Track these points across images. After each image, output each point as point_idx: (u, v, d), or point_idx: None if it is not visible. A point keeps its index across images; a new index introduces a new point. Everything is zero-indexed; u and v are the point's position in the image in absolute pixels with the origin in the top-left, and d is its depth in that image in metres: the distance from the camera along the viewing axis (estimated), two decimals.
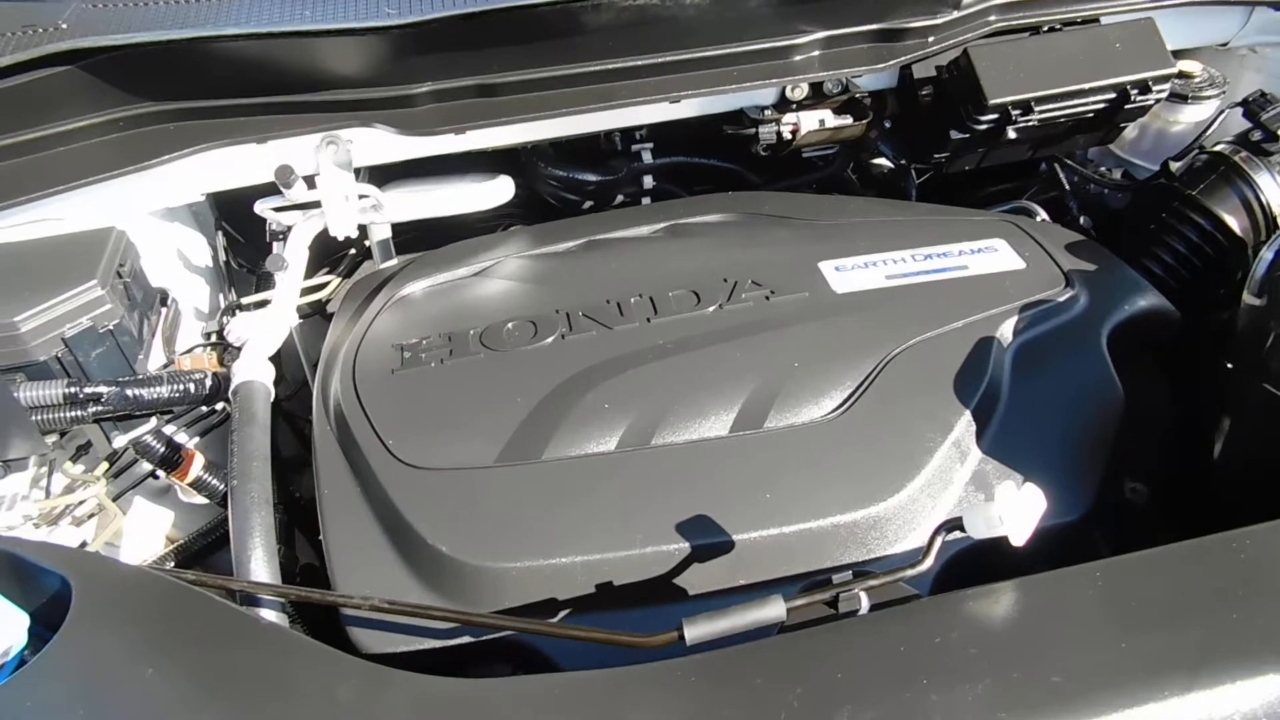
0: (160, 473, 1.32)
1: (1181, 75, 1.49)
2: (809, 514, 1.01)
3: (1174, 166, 1.37)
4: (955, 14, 1.38)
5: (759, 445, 1.08)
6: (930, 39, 1.38)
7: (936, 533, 0.89)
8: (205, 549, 1.36)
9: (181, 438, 1.35)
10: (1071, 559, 1.08)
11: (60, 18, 1.29)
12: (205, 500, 1.31)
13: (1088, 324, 1.23)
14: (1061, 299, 1.24)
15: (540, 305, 1.26)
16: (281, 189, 1.27)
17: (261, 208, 1.37)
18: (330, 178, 1.33)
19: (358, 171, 1.49)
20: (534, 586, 0.98)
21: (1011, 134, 1.39)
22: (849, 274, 1.26)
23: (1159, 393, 1.33)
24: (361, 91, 1.29)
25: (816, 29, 1.34)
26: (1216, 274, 1.32)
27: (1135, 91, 1.37)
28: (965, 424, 1.09)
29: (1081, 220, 1.48)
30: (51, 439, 1.18)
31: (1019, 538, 0.84)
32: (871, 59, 1.37)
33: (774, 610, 0.84)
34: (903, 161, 1.52)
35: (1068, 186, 1.53)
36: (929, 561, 0.88)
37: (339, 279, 1.58)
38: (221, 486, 1.28)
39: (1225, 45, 1.59)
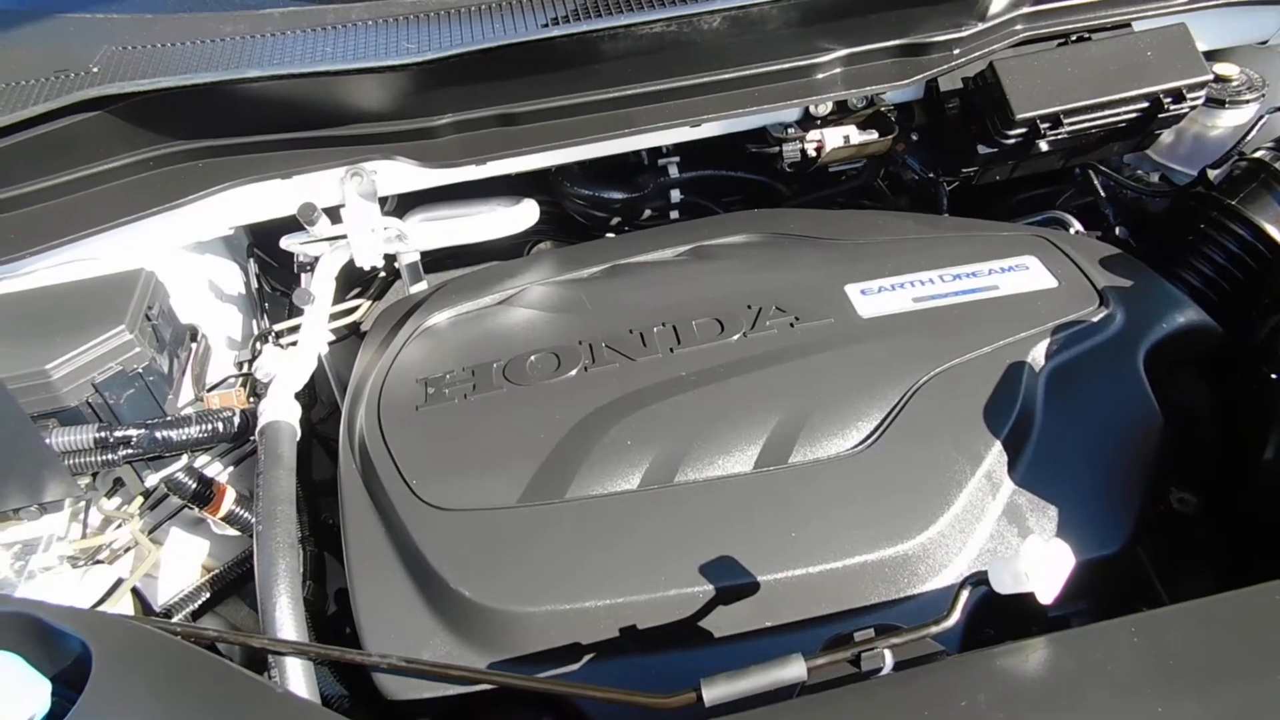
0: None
1: (1218, 79, 1.44)
2: (835, 553, 1.00)
3: (1212, 175, 1.33)
4: (980, 25, 1.35)
5: (784, 481, 1.06)
6: (955, 51, 1.35)
7: (962, 586, 0.87)
8: (240, 578, 1.38)
9: (215, 467, 1.37)
10: (1114, 585, 1.07)
11: (92, 61, 1.31)
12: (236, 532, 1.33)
13: (1124, 344, 1.19)
14: (1096, 319, 1.21)
15: (563, 336, 1.25)
16: (305, 225, 1.28)
17: (288, 243, 1.38)
18: (355, 210, 1.33)
19: (385, 200, 1.50)
20: (557, 631, 0.98)
21: (1043, 146, 1.36)
22: (875, 298, 1.24)
23: (1206, 401, 1.29)
24: (383, 125, 1.29)
25: (838, 47, 1.32)
26: (1258, 285, 1.28)
27: (1169, 100, 1.33)
28: (996, 454, 1.07)
29: (1118, 230, 1.44)
30: (84, 480, 1.20)
31: (1046, 596, 0.82)
32: (895, 74, 1.34)
33: (794, 670, 0.83)
34: (931, 174, 1.49)
35: (1103, 193, 1.49)
36: (955, 617, 0.86)
37: (370, 301, 1.59)
38: (252, 519, 1.29)
39: (1265, 43, 1.54)
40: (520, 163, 1.35)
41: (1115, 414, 1.14)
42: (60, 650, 0.85)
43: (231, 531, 1.33)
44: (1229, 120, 1.44)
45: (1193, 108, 1.37)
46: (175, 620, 1.27)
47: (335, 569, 1.33)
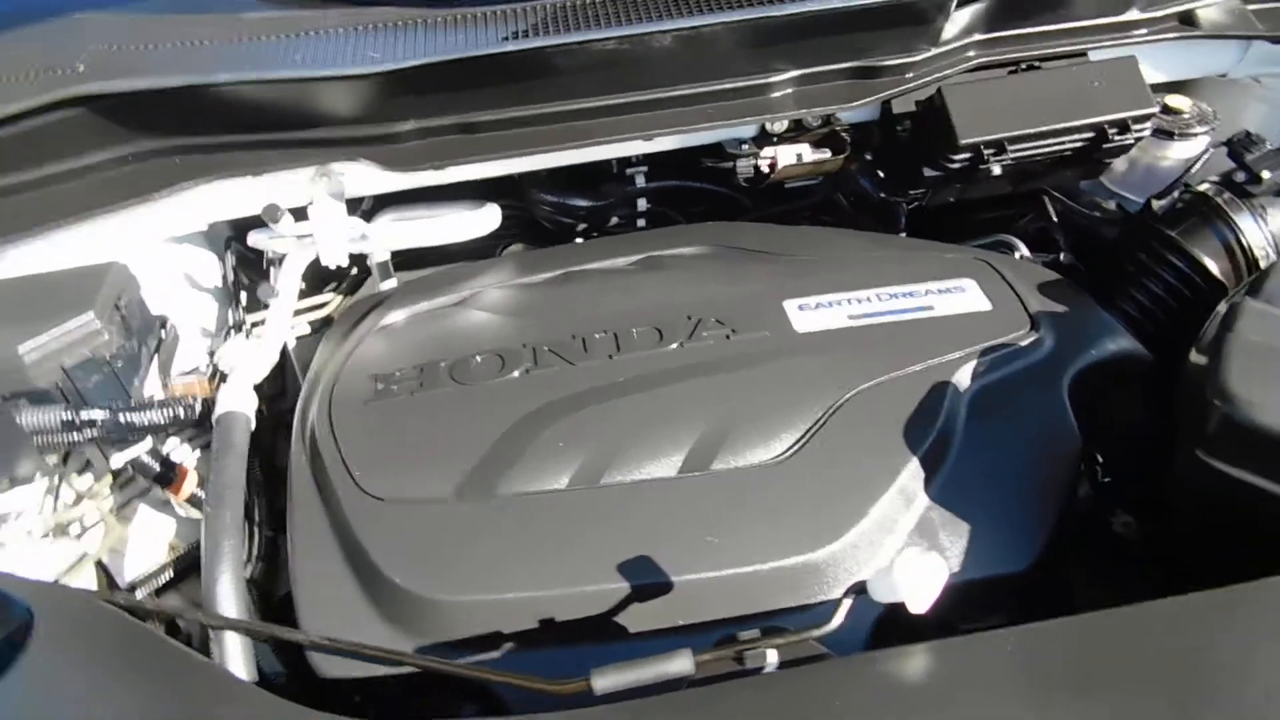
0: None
1: (1169, 111, 1.47)
2: (748, 558, 1.04)
3: (1156, 205, 1.36)
4: (934, 50, 1.38)
5: (705, 487, 1.11)
6: (908, 75, 1.39)
7: (847, 594, 0.92)
8: None
9: (185, 451, 1.43)
10: (1029, 603, 1.11)
11: (78, 59, 1.37)
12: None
13: (1050, 369, 1.23)
14: (1025, 343, 1.24)
15: (511, 338, 1.30)
16: (269, 224, 1.34)
17: (255, 239, 1.44)
18: (322, 209, 1.39)
19: (360, 200, 1.56)
20: (480, 621, 1.04)
21: (996, 170, 1.39)
22: (812, 313, 1.28)
23: (1148, 423, 1.32)
24: (349, 129, 1.34)
25: (791, 68, 1.36)
26: (1193, 318, 1.31)
27: (1114, 131, 1.36)
28: (913, 470, 1.11)
29: (1062, 256, 1.47)
30: (52, 459, 1.27)
31: (917, 606, 0.86)
32: (848, 96, 1.38)
33: (681, 664, 0.88)
34: (881, 195, 1.52)
35: (1055, 219, 1.51)
36: (837, 621, 0.91)
37: (342, 296, 1.65)
38: None
39: (1225, 76, 1.56)
40: (479, 169, 1.40)
41: (1034, 436, 1.18)
42: (6, 616, 0.91)
43: (195, 513, 1.39)
44: (1178, 152, 1.46)
45: (1138, 139, 1.40)
46: (139, 596, 1.33)
47: None
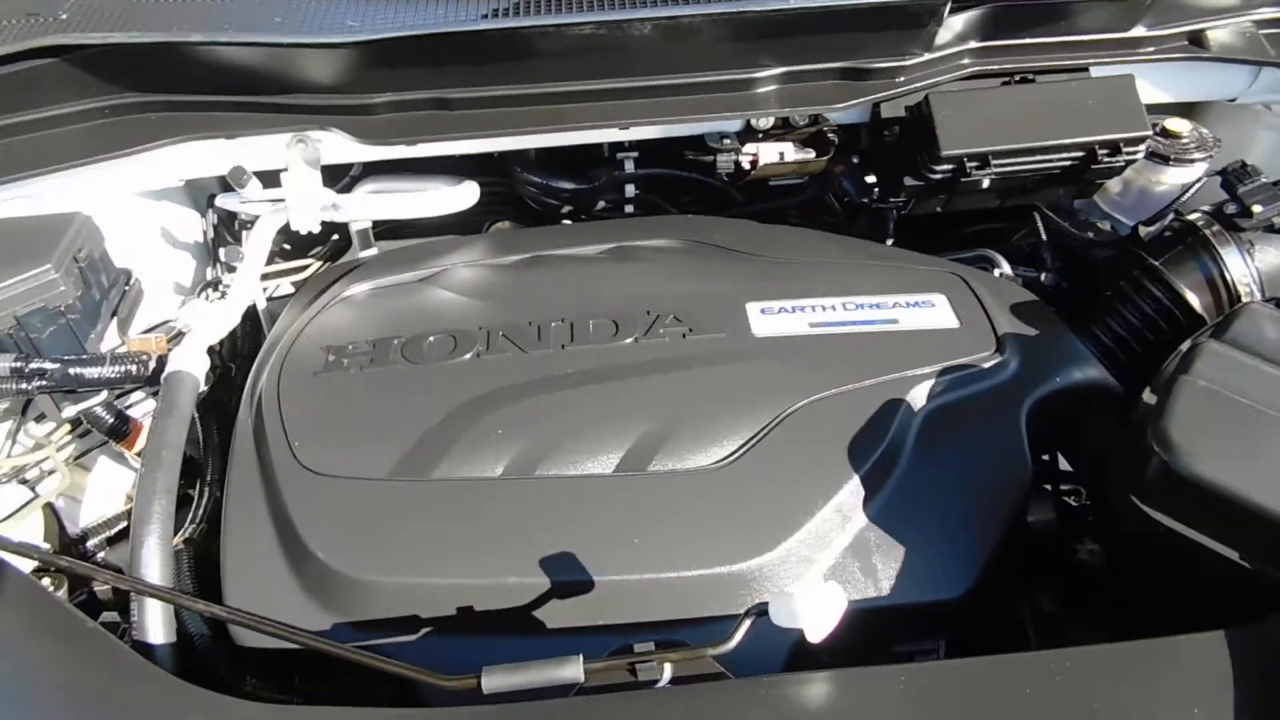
0: None
1: (1167, 134, 1.41)
2: (674, 563, 1.03)
3: (1144, 231, 1.31)
4: (926, 56, 1.34)
5: (638, 488, 1.09)
6: (899, 79, 1.35)
7: (747, 614, 0.90)
8: None
9: (149, 406, 1.43)
10: (966, 630, 1.08)
11: (62, 8, 1.37)
12: None
13: (1010, 394, 1.20)
14: (988, 364, 1.21)
15: (467, 320, 1.29)
16: (235, 188, 1.33)
17: (223, 202, 1.43)
18: (296, 175, 1.38)
19: (349, 166, 1.55)
20: (399, 603, 1.03)
21: (985, 183, 1.35)
22: (773, 318, 1.26)
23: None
24: (325, 97, 1.34)
25: (776, 64, 1.32)
26: (1169, 352, 1.27)
27: (1104, 152, 1.31)
28: (852, 488, 1.09)
29: (1043, 276, 1.42)
30: (3, 405, 1.28)
31: (814, 635, 0.84)
32: (835, 96, 1.34)
33: (571, 671, 0.87)
34: (863, 200, 1.48)
35: (1044, 236, 1.47)
36: (734, 641, 0.89)
37: (322, 262, 1.65)
38: None
39: (1233, 101, 1.50)
40: (451, 147, 1.38)
41: (984, 462, 1.15)
42: None
43: None
44: (1174, 178, 1.41)
45: (1129, 162, 1.35)
46: (90, 544, 1.34)
47: None
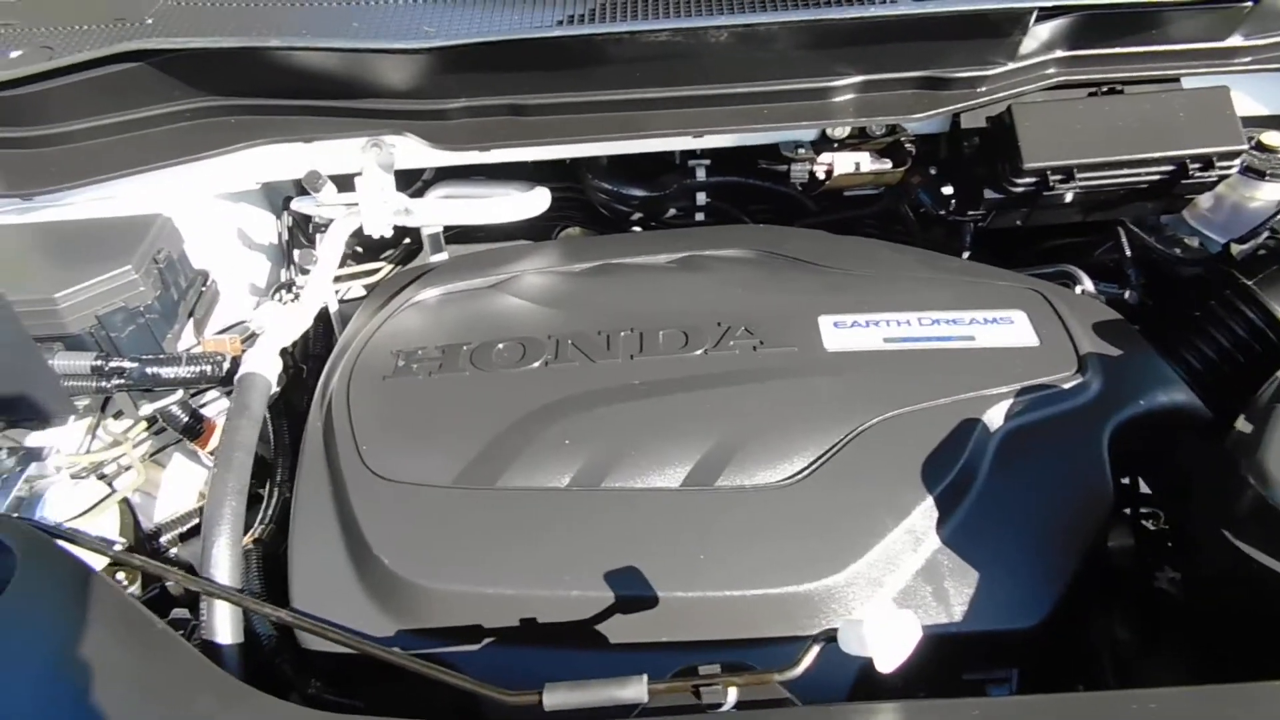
0: None
1: (1263, 148, 1.35)
2: (740, 582, 1.01)
3: (1236, 249, 1.26)
4: (1010, 65, 1.30)
5: (705, 503, 1.08)
6: (981, 89, 1.31)
7: (815, 640, 0.88)
8: None
9: (223, 405, 1.46)
10: (1043, 659, 1.05)
11: (148, 13, 1.40)
12: None
13: (1092, 416, 1.15)
14: (1069, 385, 1.17)
15: (536, 328, 1.28)
16: (310, 192, 1.34)
17: (298, 206, 1.45)
18: (370, 179, 1.39)
19: (421, 170, 1.56)
20: (462, 611, 1.03)
21: (1068, 197, 1.31)
22: (846, 332, 1.23)
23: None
24: (400, 102, 1.34)
25: (854, 73, 1.30)
26: (1261, 378, 1.21)
27: (1196, 166, 1.26)
28: (925, 510, 1.06)
29: (1127, 294, 1.37)
30: (83, 402, 1.30)
31: (885, 665, 0.82)
32: (913, 106, 1.31)
33: (634, 691, 0.86)
34: (941, 213, 1.45)
35: (1128, 253, 1.42)
36: (802, 667, 0.87)
37: (394, 265, 1.66)
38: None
39: None
40: (525, 153, 1.38)
41: (1063, 487, 1.11)
42: None
43: None
44: (1269, 194, 1.35)
45: (1222, 177, 1.30)
46: (164, 540, 1.37)
47: None
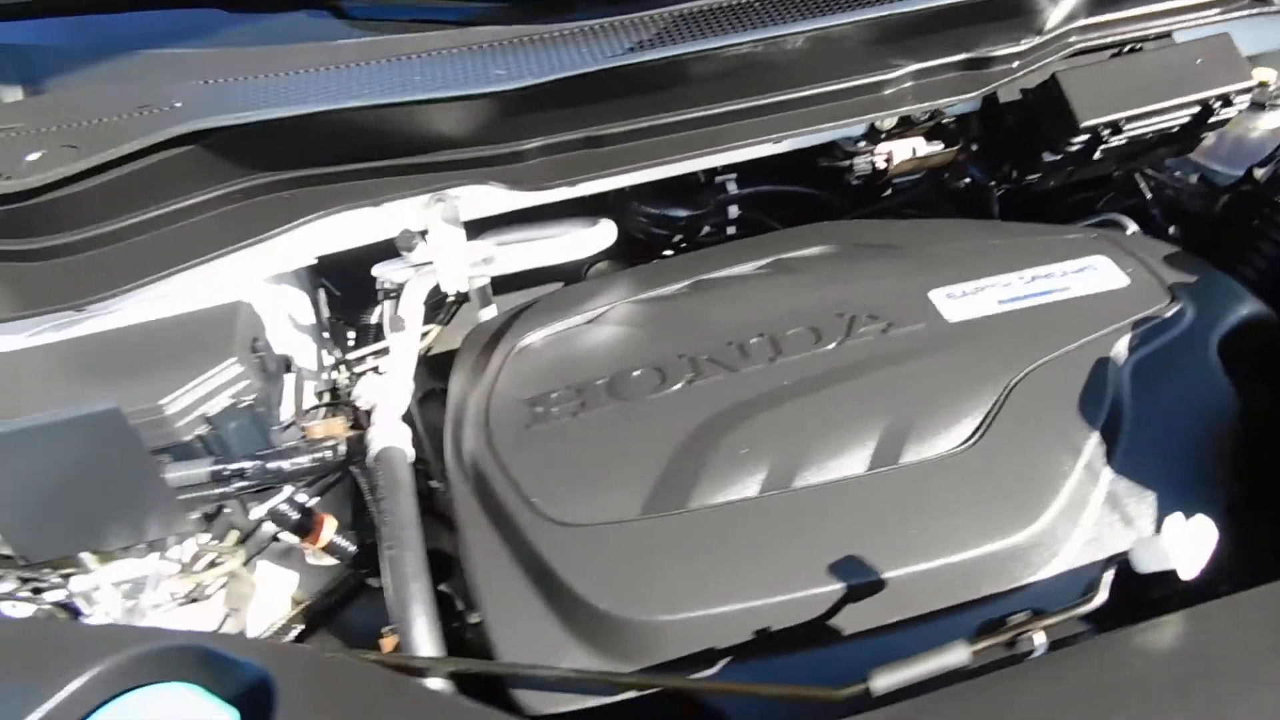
0: (282, 536, 1.34)
1: (1259, 84, 1.52)
2: (954, 547, 1.03)
3: (1258, 173, 1.40)
4: (1038, 39, 1.40)
5: (899, 480, 1.10)
6: (1015, 64, 1.41)
7: (1107, 566, 0.91)
8: (329, 609, 1.39)
9: (301, 498, 1.37)
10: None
11: (174, 98, 1.31)
12: (333, 561, 1.33)
13: (1198, 336, 1.25)
14: (1169, 314, 1.26)
15: (661, 351, 1.27)
16: (403, 252, 1.30)
17: (381, 270, 1.39)
18: (441, 235, 1.35)
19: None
20: (694, 638, 1.01)
21: (1100, 154, 1.42)
22: (960, 301, 1.29)
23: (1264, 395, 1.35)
24: (472, 150, 1.31)
25: (908, 62, 1.37)
26: None
27: (1219, 104, 1.41)
28: (1094, 445, 1.12)
29: (1171, 229, 1.50)
30: (194, 516, 1.20)
31: (1188, 572, 0.86)
32: (960, 88, 1.39)
33: (958, 655, 0.87)
34: (992, 182, 1.54)
35: (1149, 195, 1.55)
36: (1102, 596, 0.90)
37: (440, 326, 1.61)
38: (351, 548, 1.30)
39: None
40: (608, 183, 1.37)
41: (1197, 404, 1.19)
42: (238, 681, 0.85)
43: (326, 561, 1.34)
44: (1268, 122, 1.52)
45: (1239, 111, 1.45)
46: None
47: None
